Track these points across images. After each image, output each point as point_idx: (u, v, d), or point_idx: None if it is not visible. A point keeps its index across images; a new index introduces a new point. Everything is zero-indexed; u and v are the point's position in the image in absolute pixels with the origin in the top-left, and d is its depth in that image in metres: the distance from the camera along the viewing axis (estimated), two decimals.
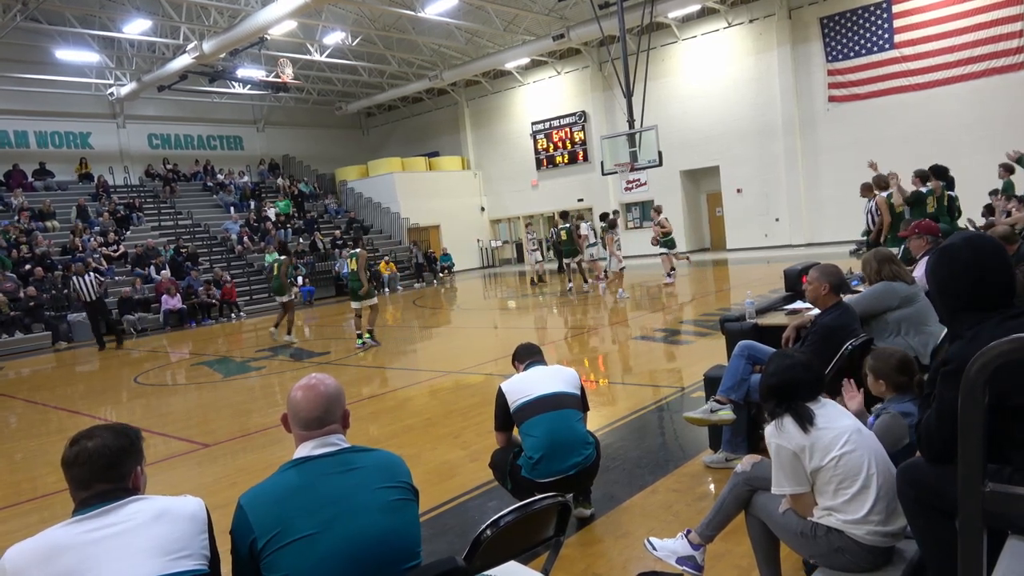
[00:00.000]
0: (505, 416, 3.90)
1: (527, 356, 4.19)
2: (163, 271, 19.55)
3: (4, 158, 23.00)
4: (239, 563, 1.95)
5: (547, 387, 3.87)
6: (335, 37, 22.72)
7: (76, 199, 22.51)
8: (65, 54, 21.58)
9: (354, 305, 11.67)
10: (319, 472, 2.00)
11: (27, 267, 18.23)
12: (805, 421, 2.55)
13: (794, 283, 6.11)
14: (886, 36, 19.85)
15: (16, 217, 20.48)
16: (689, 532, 3.05)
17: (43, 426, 8.57)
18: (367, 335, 11.66)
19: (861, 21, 20.23)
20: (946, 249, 2.16)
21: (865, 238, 11.56)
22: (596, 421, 6.17)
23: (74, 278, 15.74)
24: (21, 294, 17.11)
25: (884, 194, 9.86)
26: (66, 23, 20.00)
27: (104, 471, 1.82)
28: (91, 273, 15.68)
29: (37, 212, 21.13)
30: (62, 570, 1.66)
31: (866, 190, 11.40)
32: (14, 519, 5.22)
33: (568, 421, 3.82)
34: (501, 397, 3.93)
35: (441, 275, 25.84)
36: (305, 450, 2.05)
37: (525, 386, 3.91)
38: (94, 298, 15.53)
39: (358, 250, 11.58)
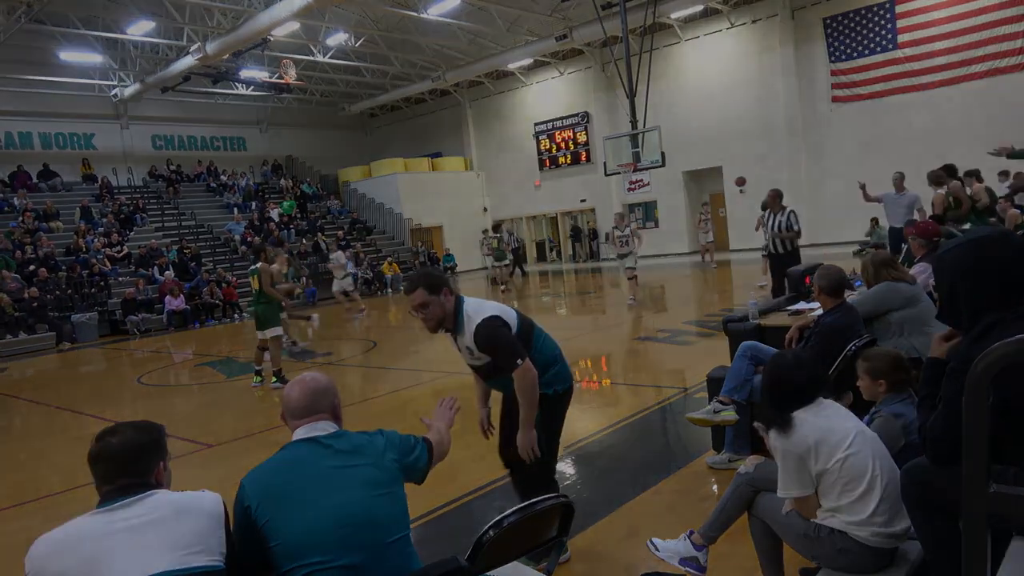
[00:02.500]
0: (517, 340, 3.30)
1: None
2: (167, 272, 19.56)
3: (8, 159, 23.05)
4: (238, 531, 2.02)
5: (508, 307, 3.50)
6: (338, 38, 22.74)
7: (80, 200, 22.55)
8: (69, 55, 21.64)
9: (261, 334, 9.08)
10: (309, 450, 2.16)
11: (31, 268, 18.28)
12: (785, 427, 2.56)
13: (797, 284, 6.11)
14: (889, 36, 19.83)
15: (20, 218, 20.53)
16: (692, 533, 3.05)
17: (47, 427, 8.59)
18: (274, 378, 8.94)
19: (864, 21, 20.21)
20: (984, 242, 2.04)
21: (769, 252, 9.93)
22: (599, 421, 6.17)
23: None
24: (25, 295, 17.15)
25: (942, 190, 9.71)
26: (70, 24, 20.04)
27: (127, 466, 1.88)
28: None
29: (41, 213, 21.17)
30: (81, 559, 1.72)
31: (774, 201, 9.67)
32: (18, 519, 5.23)
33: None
34: (501, 323, 3.28)
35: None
36: (298, 435, 2.22)
37: (502, 309, 3.38)
38: None
39: (258, 264, 8.99)
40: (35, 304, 16.96)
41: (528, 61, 26.22)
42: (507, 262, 19.15)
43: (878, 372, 3.03)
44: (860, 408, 3.14)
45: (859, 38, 20.38)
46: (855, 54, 20.49)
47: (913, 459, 2.30)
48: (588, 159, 26.66)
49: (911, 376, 3.02)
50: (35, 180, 23.12)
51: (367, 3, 20.62)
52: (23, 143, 23.95)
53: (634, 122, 17.39)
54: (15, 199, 21.50)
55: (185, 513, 1.84)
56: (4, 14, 17.78)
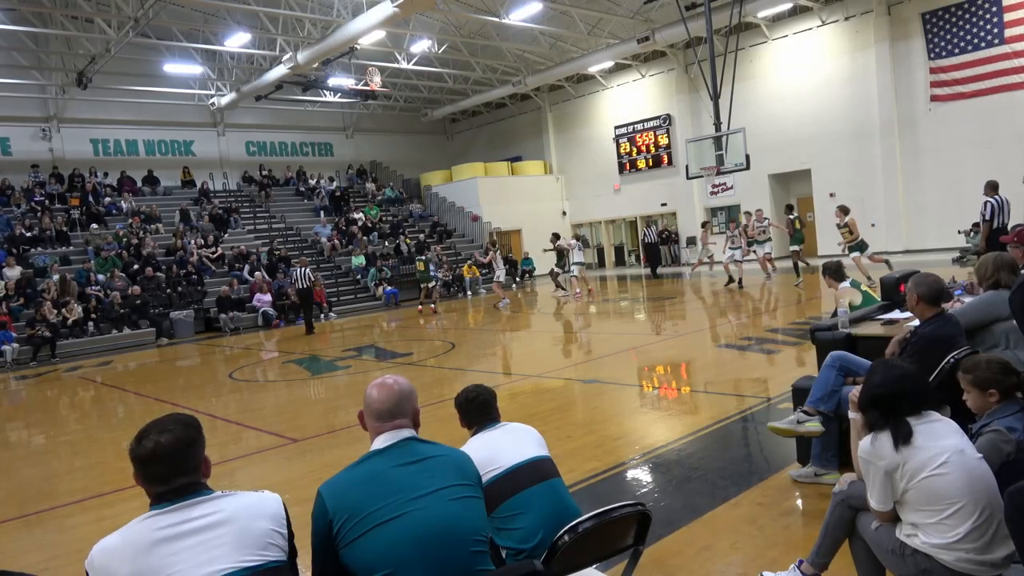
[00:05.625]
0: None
1: (476, 416, 3.00)
2: (257, 272, 20.33)
3: (116, 165, 24.63)
4: (318, 545, 2.04)
5: (520, 453, 2.83)
6: (421, 45, 23.20)
7: (180, 204, 23.87)
8: (172, 67, 22.89)
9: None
10: (391, 462, 2.13)
11: (135, 267, 19.41)
12: (900, 439, 2.44)
13: (891, 292, 5.84)
14: (995, 31, 18.67)
15: (129, 221, 21.84)
16: (801, 563, 3.02)
17: (148, 416, 9.08)
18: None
19: (967, 16, 19.10)
20: None
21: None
22: (677, 430, 6.06)
23: (294, 269, 17.77)
24: (128, 292, 18.24)
25: None
26: (173, 38, 21.24)
27: (180, 465, 1.86)
28: (305, 268, 17.17)
29: (145, 216, 22.48)
30: (145, 567, 1.70)
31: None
32: (121, 503, 5.56)
33: (560, 494, 2.82)
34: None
35: (522, 279, 25.96)
36: (379, 444, 2.19)
37: (491, 453, 2.80)
38: (305, 287, 16.95)
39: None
40: (138, 302, 18.01)
41: (609, 64, 26.01)
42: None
43: (987, 382, 2.78)
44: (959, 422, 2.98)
45: (961, 33, 19.28)
46: (956, 50, 19.39)
47: (1017, 480, 2.17)
48: (669, 162, 26.23)
49: (1022, 382, 2.82)
50: (140, 185, 24.57)
51: (450, 10, 20.97)
52: (129, 150, 25.51)
53: (718, 124, 16.98)
54: (122, 203, 22.91)
55: (246, 514, 1.83)
56: (114, 29, 19.02)
